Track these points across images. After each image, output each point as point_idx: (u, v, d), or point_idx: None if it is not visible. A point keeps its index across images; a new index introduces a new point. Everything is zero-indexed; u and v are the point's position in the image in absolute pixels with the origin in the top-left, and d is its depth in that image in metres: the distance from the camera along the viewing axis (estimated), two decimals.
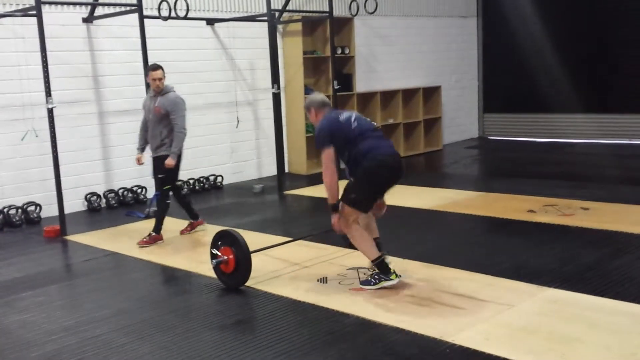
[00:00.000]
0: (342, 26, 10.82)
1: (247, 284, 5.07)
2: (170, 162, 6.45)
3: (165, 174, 6.53)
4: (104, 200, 8.43)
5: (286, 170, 10.20)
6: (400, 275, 4.91)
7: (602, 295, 4.53)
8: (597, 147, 11.87)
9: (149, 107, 6.59)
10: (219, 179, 9.64)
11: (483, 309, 4.40)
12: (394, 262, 5.32)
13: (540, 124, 13.32)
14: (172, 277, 5.67)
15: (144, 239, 6.53)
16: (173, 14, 7.84)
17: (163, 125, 6.51)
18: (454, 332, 4.04)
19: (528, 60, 12.94)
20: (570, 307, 4.38)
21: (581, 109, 12.51)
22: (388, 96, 11.84)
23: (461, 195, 8.20)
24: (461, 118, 13.74)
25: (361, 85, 11.34)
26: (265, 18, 9.14)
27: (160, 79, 6.47)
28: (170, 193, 6.67)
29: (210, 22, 9.46)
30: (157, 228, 6.60)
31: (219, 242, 5.14)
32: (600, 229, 6.24)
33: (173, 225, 7.49)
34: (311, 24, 10.58)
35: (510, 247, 5.88)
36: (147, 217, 7.68)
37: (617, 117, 12.40)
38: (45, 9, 7.28)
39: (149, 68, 6.62)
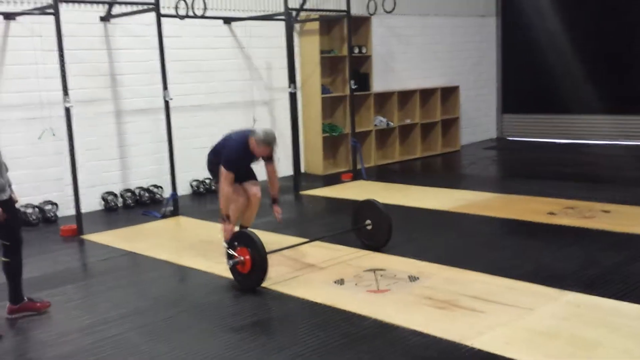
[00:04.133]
0: (359, 25, 10.75)
1: (263, 285, 5.03)
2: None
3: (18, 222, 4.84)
4: (120, 200, 8.43)
5: (302, 170, 10.16)
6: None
7: (623, 299, 4.46)
8: (617, 149, 11.71)
9: None
10: None
11: (503, 313, 4.33)
12: (409, 263, 5.52)
13: (559, 125, 13.17)
14: (188, 277, 5.66)
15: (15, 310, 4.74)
16: (190, 13, 7.84)
17: None
18: (474, 335, 3.98)
19: (547, 60, 12.79)
20: (591, 311, 4.31)
21: (601, 109, 12.33)
22: (405, 96, 11.75)
23: (480, 196, 8.11)
24: (479, 118, 13.61)
25: (378, 84, 11.27)
26: (283, 17, 9.12)
27: None
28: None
29: (227, 21, 9.43)
30: (19, 296, 4.73)
31: (236, 243, 5.12)
32: (622, 232, 6.14)
33: (191, 225, 7.48)
34: (328, 23, 10.53)
35: (530, 250, 5.80)
36: (164, 216, 7.68)
37: (638, 119, 12.22)
38: (63, 7, 7.28)
39: None
